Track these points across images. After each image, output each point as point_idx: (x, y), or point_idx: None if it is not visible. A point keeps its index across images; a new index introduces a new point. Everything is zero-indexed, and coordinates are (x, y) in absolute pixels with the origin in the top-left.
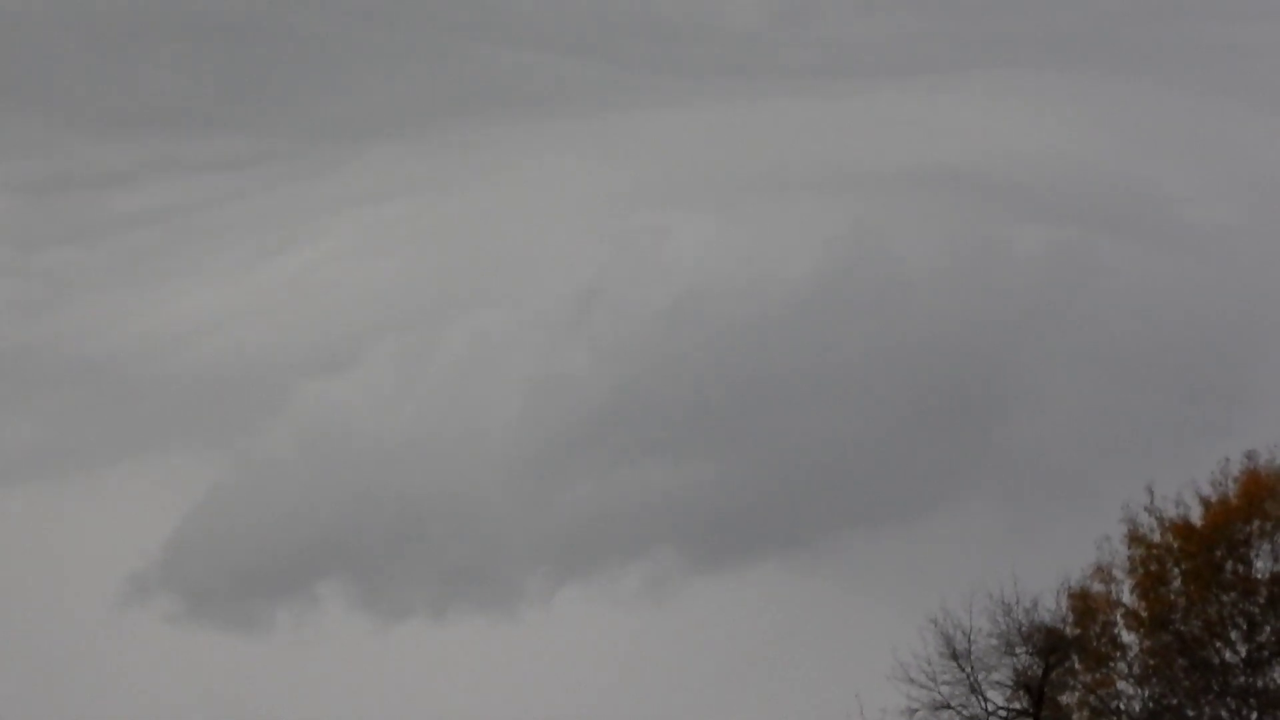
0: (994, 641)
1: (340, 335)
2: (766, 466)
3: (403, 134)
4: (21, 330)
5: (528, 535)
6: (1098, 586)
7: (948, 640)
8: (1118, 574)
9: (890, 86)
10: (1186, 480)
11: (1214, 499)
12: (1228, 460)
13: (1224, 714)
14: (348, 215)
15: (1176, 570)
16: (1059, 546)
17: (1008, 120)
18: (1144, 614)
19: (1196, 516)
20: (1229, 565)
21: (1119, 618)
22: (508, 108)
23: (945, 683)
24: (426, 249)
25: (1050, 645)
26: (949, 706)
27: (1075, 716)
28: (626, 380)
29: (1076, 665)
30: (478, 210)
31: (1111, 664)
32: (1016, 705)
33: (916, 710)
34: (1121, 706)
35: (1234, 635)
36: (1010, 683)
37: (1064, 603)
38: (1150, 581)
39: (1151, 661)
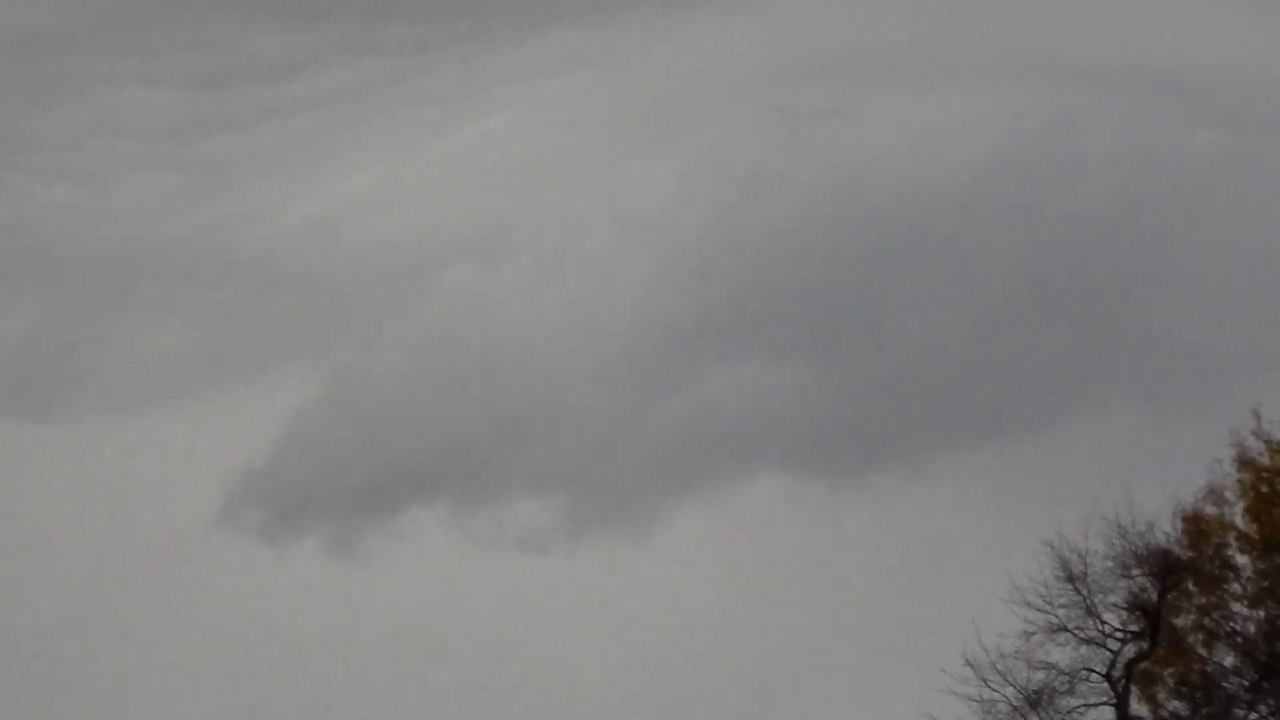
0: (1109, 564)
1: (491, 222)
2: (877, 374)
3: (575, 17)
4: (181, 222)
5: (637, 447)
6: (1210, 509)
7: (1063, 563)
8: (1229, 496)
9: None
10: None
11: None
12: None
13: None
14: (511, 92)
15: None
16: (1175, 466)
17: (1201, 22)
18: (1255, 537)
19: None
20: None
21: (1232, 540)
22: None
23: (1061, 605)
24: (587, 131)
25: (1165, 568)
26: (1066, 629)
27: (1191, 638)
28: (763, 277)
29: (1191, 588)
30: (644, 91)
31: (1225, 587)
32: (1133, 628)
33: (1033, 633)
34: (1236, 628)
35: None
36: (1126, 605)
37: (1178, 525)
38: (1261, 504)
39: (1265, 584)
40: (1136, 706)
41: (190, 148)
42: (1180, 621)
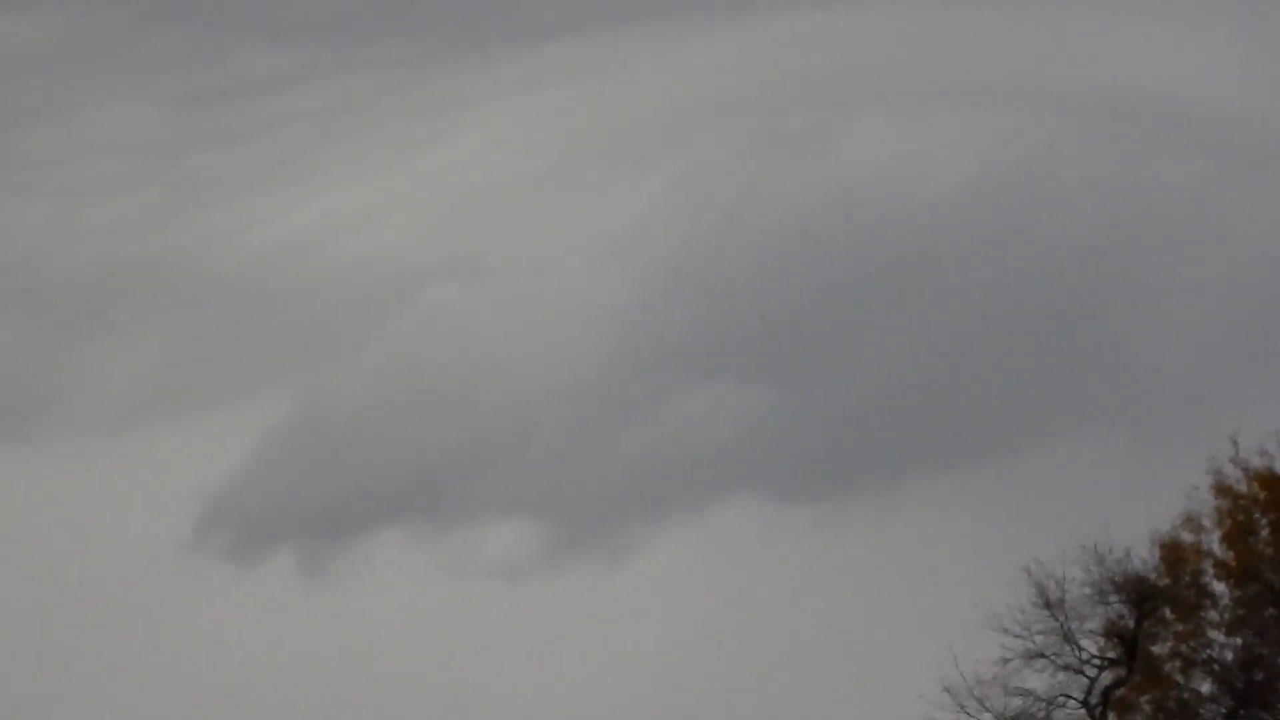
0: (1087, 591)
1: (468, 241)
2: (853, 398)
3: (557, 36)
4: (158, 241)
5: (609, 470)
6: (1187, 536)
7: (1041, 590)
8: (1206, 524)
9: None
10: (1272, 430)
11: None
12: None
13: None
14: (490, 111)
15: (1264, 521)
16: (1152, 494)
17: (1186, 52)
18: (1233, 564)
19: None
20: None
21: (1209, 568)
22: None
23: (1039, 632)
24: (567, 150)
25: (1142, 595)
26: (1043, 655)
27: (1168, 666)
28: (738, 299)
29: (1168, 615)
30: (626, 111)
31: (1202, 614)
32: (1110, 654)
33: (1010, 660)
34: (1214, 655)
35: None
36: (1103, 632)
37: (1155, 553)
38: (1238, 532)
39: (1241, 612)
40: None
41: (171, 166)
42: (1157, 649)
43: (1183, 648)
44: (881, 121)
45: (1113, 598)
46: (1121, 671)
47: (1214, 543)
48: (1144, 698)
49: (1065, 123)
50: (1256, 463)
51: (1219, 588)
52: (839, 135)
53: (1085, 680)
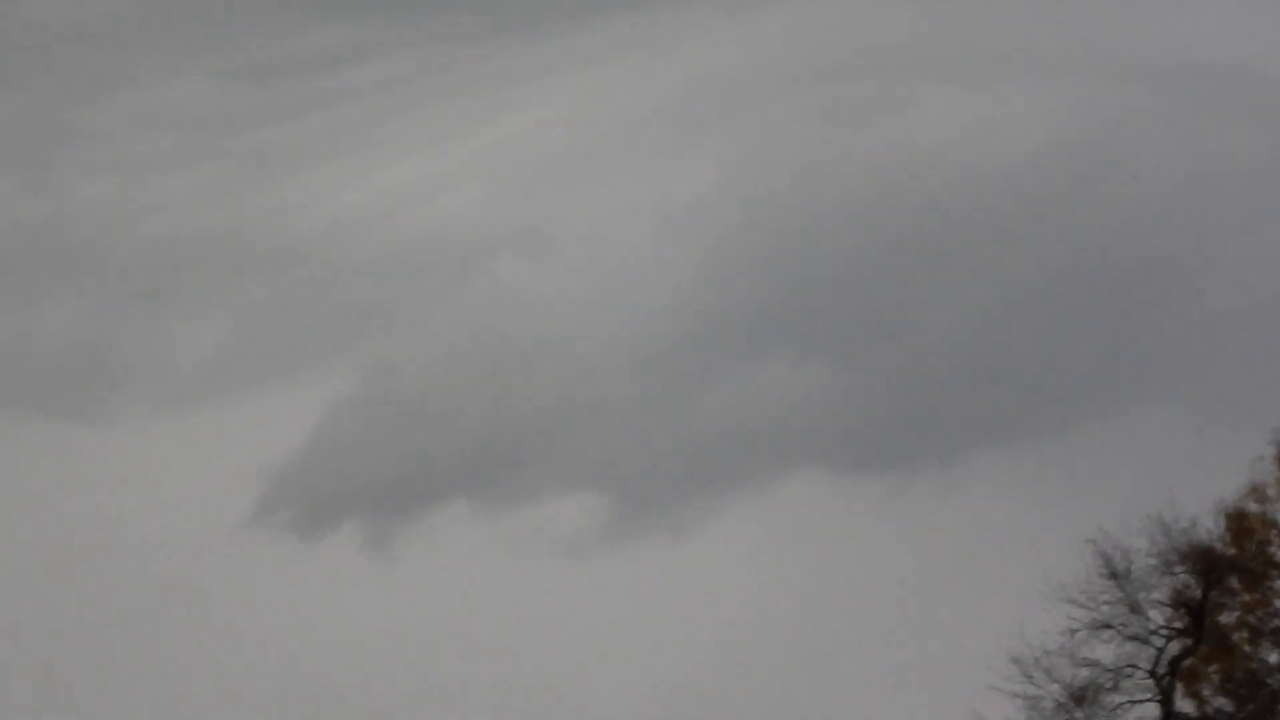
0: (1152, 561)
1: (534, 213)
2: (916, 370)
3: (622, 7)
4: (224, 214)
5: (673, 444)
6: (1253, 506)
7: (1106, 560)
8: (1271, 494)
9: None
10: None
11: None
12: None
13: None
14: (557, 83)
15: None
16: (1217, 464)
17: (1257, 22)
18: None
19: None
20: None
21: (1275, 537)
22: None
23: (1105, 602)
24: (634, 121)
25: (1208, 565)
26: (1110, 626)
27: (1235, 635)
28: (800, 270)
29: (1235, 585)
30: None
31: (1269, 584)
32: (1177, 624)
33: (1077, 630)
34: None
35: None
36: (1169, 602)
37: (1220, 523)
38: None
39: None
40: (1181, 703)
41: (235, 139)
42: (1224, 618)
43: (1250, 617)
44: (949, 91)
45: (1179, 568)
46: (1188, 642)
47: (1279, 513)
48: (1211, 668)
49: (1135, 92)
50: None
51: None
52: (905, 105)
53: (1152, 650)
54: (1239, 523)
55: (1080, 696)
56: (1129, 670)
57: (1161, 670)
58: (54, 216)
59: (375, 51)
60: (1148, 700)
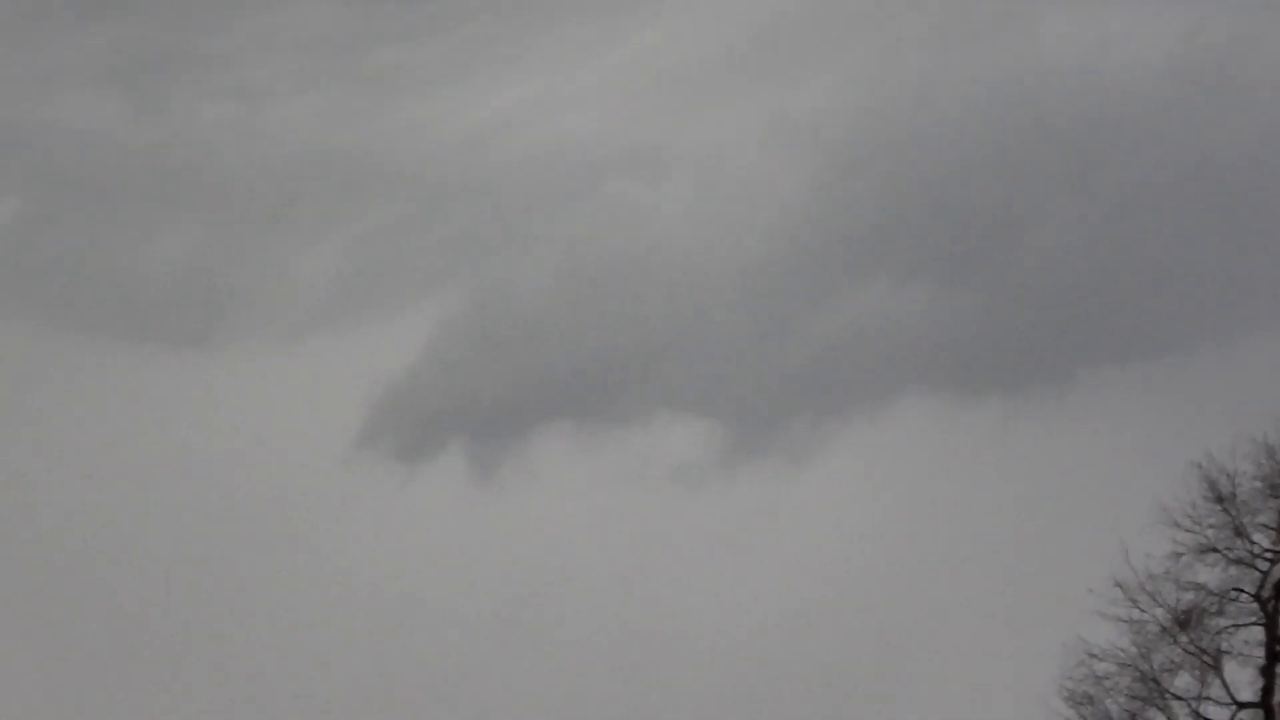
0: (1258, 485)
1: (651, 135)
2: (1028, 291)
3: None
4: (341, 136)
5: (780, 369)
6: None
7: (1212, 484)
8: None
9: None
10: None
11: None
12: None
13: None
14: (672, 3)
15: None
16: None
17: None
18: None
19: None
20: None
21: None
22: None
23: (1210, 526)
24: (755, 35)
25: None
26: (1215, 549)
27: None
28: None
29: None
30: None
31: None
32: None
33: (1182, 554)
34: None
35: None
36: (1275, 526)
37: None
38: None
39: None
40: None
41: (353, 61)
42: None
43: None
44: (1069, 9)
45: None
46: None
47: None
48: None
49: (1255, 9)
50: None
51: None
52: (1027, 21)
53: (1257, 574)
54: None
55: (1184, 620)
56: (1234, 594)
57: (1266, 594)
58: (171, 141)
59: None
60: (1252, 624)
